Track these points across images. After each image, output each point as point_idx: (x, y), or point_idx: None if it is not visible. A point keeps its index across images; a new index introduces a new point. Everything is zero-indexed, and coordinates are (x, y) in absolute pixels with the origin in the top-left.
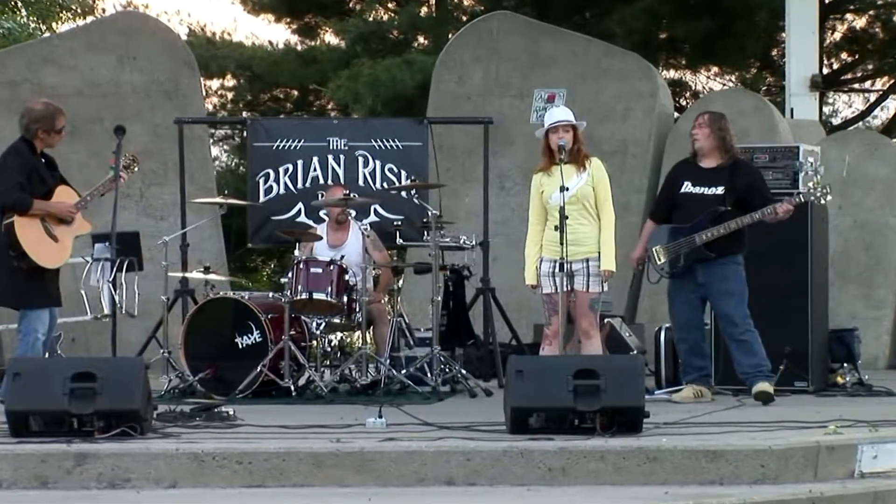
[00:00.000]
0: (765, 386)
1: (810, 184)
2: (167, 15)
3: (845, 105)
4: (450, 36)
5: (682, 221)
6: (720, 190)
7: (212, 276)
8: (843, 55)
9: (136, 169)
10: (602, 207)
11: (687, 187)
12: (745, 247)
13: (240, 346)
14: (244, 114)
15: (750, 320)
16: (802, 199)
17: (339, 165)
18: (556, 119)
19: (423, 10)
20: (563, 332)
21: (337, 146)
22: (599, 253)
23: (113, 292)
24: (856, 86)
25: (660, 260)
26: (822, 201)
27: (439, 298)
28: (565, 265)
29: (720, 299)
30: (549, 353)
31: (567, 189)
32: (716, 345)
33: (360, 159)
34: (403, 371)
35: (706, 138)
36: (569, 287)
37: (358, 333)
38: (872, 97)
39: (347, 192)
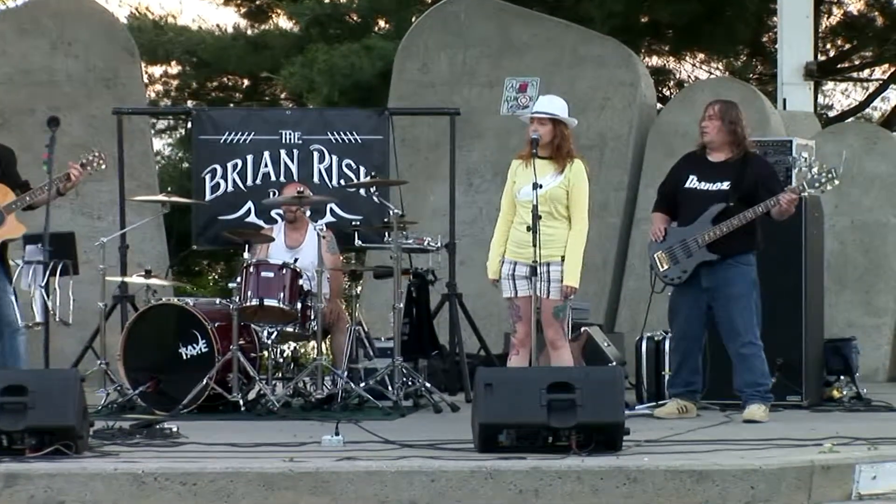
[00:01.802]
0: (755, 413)
1: (814, 169)
2: None
3: (842, 95)
4: (413, 20)
5: (686, 220)
6: (725, 185)
7: (153, 281)
8: (840, 41)
9: (102, 167)
10: (574, 215)
11: (692, 182)
12: (756, 245)
13: (184, 357)
14: (189, 104)
15: (755, 331)
16: (806, 187)
17: (292, 161)
18: (534, 109)
19: None
20: (535, 341)
21: (290, 139)
22: (563, 258)
23: (46, 298)
24: (853, 74)
25: (662, 267)
26: (829, 187)
27: (401, 305)
28: (538, 269)
29: (724, 305)
30: (516, 363)
31: (541, 186)
32: (703, 356)
33: (316, 154)
34: (362, 384)
35: (717, 131)
36: (532, 292)
37: (313, 343)
38: (871, 87)
39: (302, 189)
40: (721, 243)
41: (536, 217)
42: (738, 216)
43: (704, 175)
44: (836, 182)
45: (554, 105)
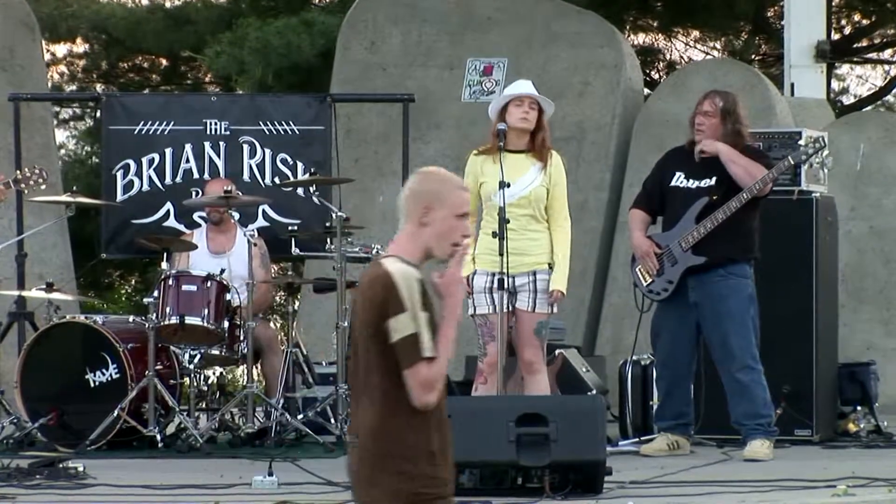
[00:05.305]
0: (758, 450)
1: (801, 142)
2: None
3: (859, 80)
4: None
5: (670, 222)
6: (712, 181)
7: (56, 296)
8: (857, 17)
9: (41, 186)
10: (559, 215)
11: (679, 180)
12: (752, 251)
13: (91, 385)
14: (98, 88)
15: (754, 352)
16: (791, 161)
17: (218, 155)
18: (517, 91)
19: None
20: (502, 365)
21: (216, 130)
22: (550, 266)
23: None
24: (872, 55)
25: (645, 281)
26: (817, 160)
27: (346, 324)
28: (506, 280)
29: (715, 324)
30: (484, 392)
31: (509, 185)
32: (697, 383)
33: (246, 147)
34: (300, 416)
35: (714, 131)
36: (509, 307)
37: (242, 368)
38: (893, 70)
39: (229, 188)
40: (710, 247)
41: (504, 221)
42: (722, 208)
43: (692, 172)
44: (826, 153)
45: (532, 88)
